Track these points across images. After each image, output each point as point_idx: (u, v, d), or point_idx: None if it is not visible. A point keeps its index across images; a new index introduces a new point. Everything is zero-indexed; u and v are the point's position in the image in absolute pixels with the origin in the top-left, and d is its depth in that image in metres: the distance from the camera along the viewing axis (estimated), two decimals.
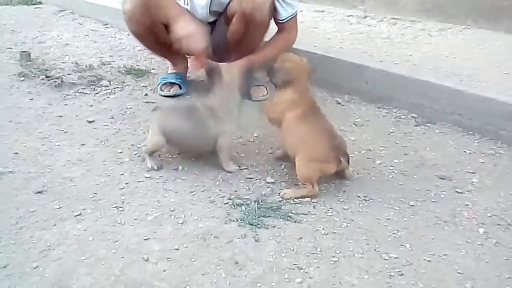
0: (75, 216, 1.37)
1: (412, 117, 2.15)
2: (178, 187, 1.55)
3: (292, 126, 1.56)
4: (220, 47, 2.34)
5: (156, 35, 2.18)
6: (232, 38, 2.21)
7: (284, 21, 2.14)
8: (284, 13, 2.12)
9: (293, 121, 1.55)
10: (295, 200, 1.49)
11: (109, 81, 2.51)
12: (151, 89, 2.44)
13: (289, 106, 1.57)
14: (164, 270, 1.18)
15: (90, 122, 2.02)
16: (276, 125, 1.65)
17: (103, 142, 1.84)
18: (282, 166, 1.70)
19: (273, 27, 2.24)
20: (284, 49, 2.20)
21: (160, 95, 2.36)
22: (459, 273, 1.20)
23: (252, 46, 2.23)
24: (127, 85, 2.49)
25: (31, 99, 2.23)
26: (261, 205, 1.45)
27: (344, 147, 1.56)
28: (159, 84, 2.41)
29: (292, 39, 2.23)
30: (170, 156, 1.74)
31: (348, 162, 1.56)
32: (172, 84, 2.38)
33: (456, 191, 1.57)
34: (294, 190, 1.54)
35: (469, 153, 1.83)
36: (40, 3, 4.91)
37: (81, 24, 3.99)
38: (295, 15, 2.16)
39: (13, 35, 3.48)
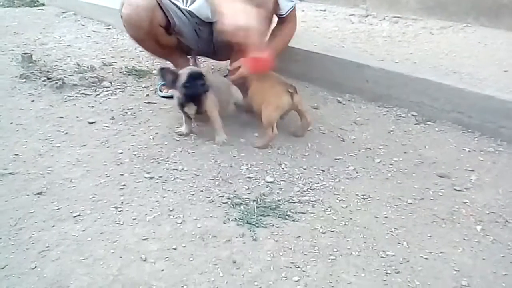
0: (74, 216, 1.38)
1: (412, 115, 2.15)
2: (177, 187, 1.56)
3: (254, 91, 1.92)
4: (223, 45, 2.34)
5: (156, 38, 2.19)
6: None
7: (285, 14, 2.18)
8: (285, 7, 2.16)
9: (254, 87, 1.92)
10: (294, 199, 1.50)
11: (111, 82, 2.52)
12: (152, 90, 2.44)
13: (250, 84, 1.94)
14: (162, 270, 1.18)
15: (91, 123, 2.03)
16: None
17: (103, 143, 1.85)
18: (282, 165, 1.70)
19: None
20: (289, 40, 2.28)
21: (159, 95, 2.36)
22: (455, 270, 1.21)
23: None
24: (129, 86, 2.50)
25: (32, 101, 2.25)
26: (260, 204, 1.46)
27: (290, 83, 1.85)
28: (159, 84, 2.42)
29: (294, 30, 2.27)
30: (169, 156, 1.75)
31: (296, 92, 1.82)
32: None
33: (455, 189, 1.57)
34: (261, 139, 1.87)
35: (469, 151, 1.83)
36: (43, 4, 4.93)
37: (83, 25, 4.01)
38: (295, 7, 2.21)
39: (16, 37, 3.50)
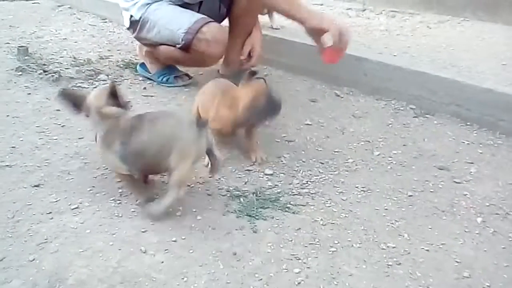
0: (72, 209, 1.36)
1: (411, 108, 2.15)
2: None
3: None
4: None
5: None
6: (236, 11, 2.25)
7: None
8: None
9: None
10: (293, 191, 1.49)
11: (107, 75, 2.50)
12: (149, 83, 2.43)
13: None
14: (162, 262, 1.17)
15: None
16: None
17: None
18: (281, 158, 1.70)
19: None
20: None
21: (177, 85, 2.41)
22: (457, 262, 1.20)
23: (253, 22, 2.24)
24: (125, 79, 2.48)
25: (29, 94, 2.22)
26: (260, 196, 1.45)
27: None
28: (168, 78, 2.41)
29: None
30: None
31: None
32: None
33: (454, 181, 1.57)
34: None
35: (468, 143, 1.83)
36: None
37: (79, 19, 3.97)
38: None
39: (11, 30, 3.46)
